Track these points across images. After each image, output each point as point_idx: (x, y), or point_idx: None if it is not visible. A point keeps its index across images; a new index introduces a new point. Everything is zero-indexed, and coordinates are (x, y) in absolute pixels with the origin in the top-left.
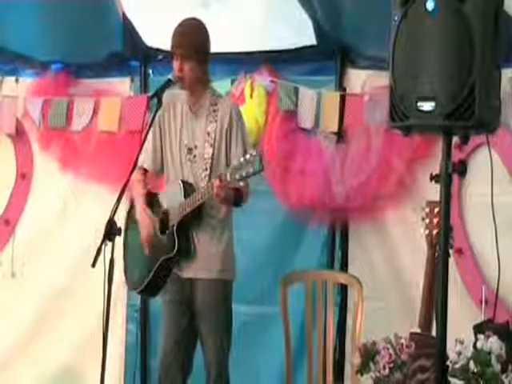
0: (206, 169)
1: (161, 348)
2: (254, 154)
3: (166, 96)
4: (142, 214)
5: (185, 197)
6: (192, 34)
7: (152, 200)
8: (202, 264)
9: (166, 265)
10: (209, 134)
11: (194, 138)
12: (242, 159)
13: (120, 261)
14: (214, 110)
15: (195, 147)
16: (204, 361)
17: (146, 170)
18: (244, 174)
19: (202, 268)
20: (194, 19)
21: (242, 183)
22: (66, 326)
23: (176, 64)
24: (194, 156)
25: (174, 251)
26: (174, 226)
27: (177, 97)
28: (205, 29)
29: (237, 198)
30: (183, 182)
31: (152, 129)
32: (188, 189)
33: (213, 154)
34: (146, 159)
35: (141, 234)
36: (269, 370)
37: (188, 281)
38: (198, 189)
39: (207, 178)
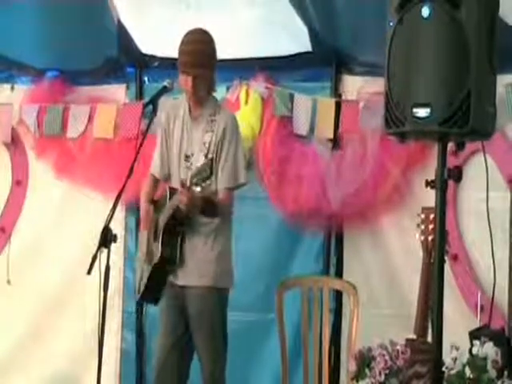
0: None
1: (156, 353)
2: (210, 157)
3: (171, 103)
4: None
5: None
6: (202, 53)
7: (157, 207)
8: (193, 271)
9: (157, 272)
10: (204, 143)
11: (192, 146)
12: (199, 165)
13: (115, 267)
14: (212, 121)
15: (192, 155)
16: (200, 368)
17: (154, 177)
18: (199, 177)
19: (193, 275)
20: (200, 31)
21: (223, 193)
22: (62, 333)
23: (187, 80)
24: (191, 164)
25: (158, 258)
26: (160, 233)
27: (179, 102)
28: (212, 41)
29: (207, 207)
30: (170, 188)
31: (159, 139)
32: (173, 196)
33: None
34: (154, 167)
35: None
36: (265, 377)
37: (181, 288)
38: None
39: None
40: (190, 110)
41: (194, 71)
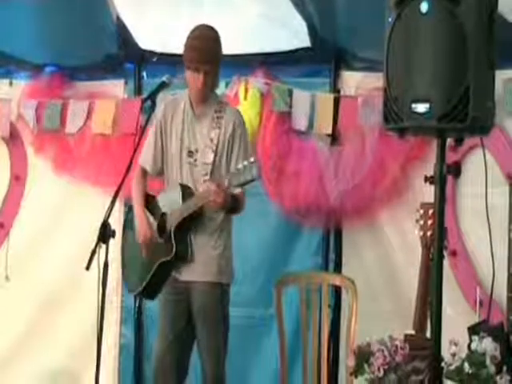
0: (207, 174)
1: (156, 348)
2: (252, 160)
3: (169, 98)
4: (140, 216)
5: (183, 200)
6: (212, 49)
7: (151, 202)
8: (199, 267)
9: (163, 268)
10: (211, 139)
11: (196, 142)
12: (240, 166)
13: (114, 263)
14: (218, 117)
15: (196, 151)
16: (200, 363)
17: (146, 171)
18: (242, 180)
19: (199, 271)
20: (208, 27)
21: (239, 190)
22: (61, 329)
23: (198, 77)
24: (195, 160)
25: (172, 255)
26: (171, 229)
27: (179, 98)
28: (220, 37)
29: (234, 205)
30: (182, 185)
31: (153, 129)
32: (186, 192)
33: (214, 160)
34: (146, 160)
35: (139, 236)
36: (264, 372)
37: (186, 283)
38: (196, 193)
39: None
40: (191, 106)
41: (205, 68)
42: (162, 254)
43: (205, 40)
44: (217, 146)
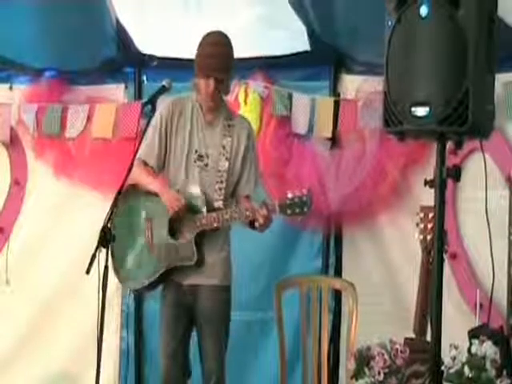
0: (222, 182)
1: (162, 355)
2: (306, 193)
3: (173, 99)
4: (160, 188)
5: (208, 210)
6: (228, 56)
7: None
8: (206, 271)
9: (173, 269)
10: (224, 147)
11: (207, 147)
12: (292, 195)
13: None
14: (229, 125)
15: (207, 156)
16: (202, 365)
17: (145, 164)
18: (297, 211)
19: (206, 275)
20: (221, 34)
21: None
22: (61, 333)
23: (209, 84)
24: (206, 164)
25: (194, 261)
26: (194, 235)
27: (185, 99)
28: (232, 44)
29: None
30: (204, 193)
31: (157, 126)
32: (209, 202)
33: (229, 168)
34: (148, 154)
35: (170, 207)
36: (264, 375)
37: (190, 287)
38: (212, 200)
39: (223, 191)
40: (201, 112)
41: (219, 75)
42: (179, 258)
43: (221, 47)
44: (230, 154)
